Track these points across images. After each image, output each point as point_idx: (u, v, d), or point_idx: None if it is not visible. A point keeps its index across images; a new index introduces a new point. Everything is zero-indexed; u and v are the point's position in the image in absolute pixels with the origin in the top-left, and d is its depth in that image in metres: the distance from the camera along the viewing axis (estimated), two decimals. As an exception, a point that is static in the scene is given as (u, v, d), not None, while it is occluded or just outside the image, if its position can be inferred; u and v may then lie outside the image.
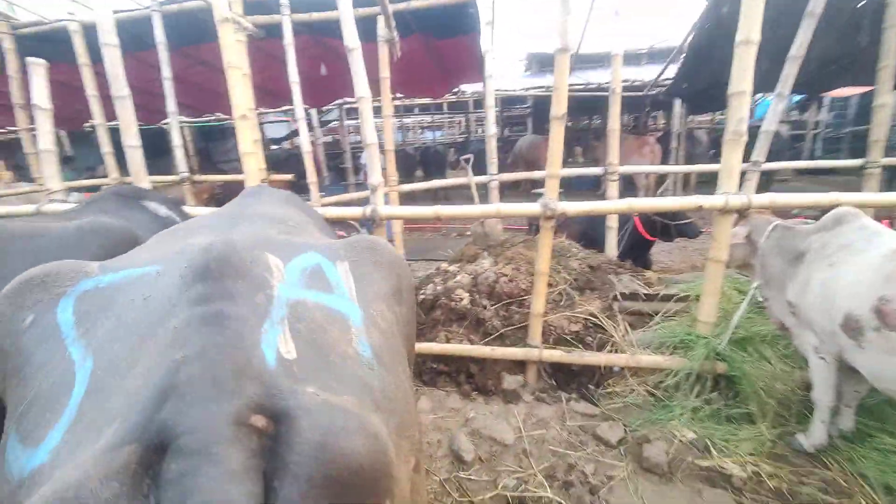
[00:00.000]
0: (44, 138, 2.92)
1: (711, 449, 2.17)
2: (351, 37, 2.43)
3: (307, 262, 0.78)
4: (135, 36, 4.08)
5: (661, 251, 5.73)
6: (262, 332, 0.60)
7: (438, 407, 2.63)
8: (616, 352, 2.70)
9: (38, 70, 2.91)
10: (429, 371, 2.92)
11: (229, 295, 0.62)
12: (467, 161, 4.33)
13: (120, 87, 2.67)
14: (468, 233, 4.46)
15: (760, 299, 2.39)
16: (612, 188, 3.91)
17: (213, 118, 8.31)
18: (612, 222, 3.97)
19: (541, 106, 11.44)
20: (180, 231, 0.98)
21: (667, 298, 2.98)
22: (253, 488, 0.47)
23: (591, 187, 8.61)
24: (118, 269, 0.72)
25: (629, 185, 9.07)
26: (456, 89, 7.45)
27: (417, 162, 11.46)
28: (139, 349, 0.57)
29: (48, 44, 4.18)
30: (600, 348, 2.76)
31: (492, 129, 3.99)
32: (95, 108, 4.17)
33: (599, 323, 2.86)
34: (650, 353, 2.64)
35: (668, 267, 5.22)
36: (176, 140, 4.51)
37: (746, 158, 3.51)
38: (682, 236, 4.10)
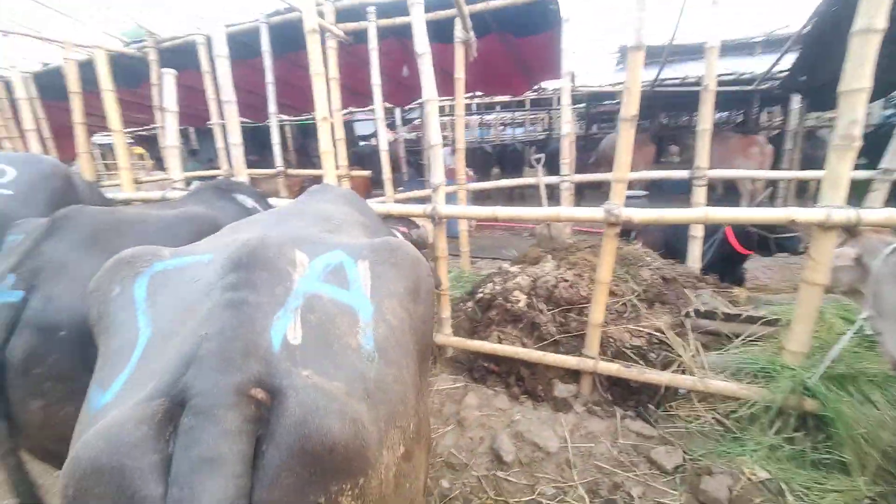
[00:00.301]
0: (170, 136, 3.48)
1: (787, 494, 1.92)
2: (421, 42, 2.52)
3: (332, 259, 0.88)
4: (246, 45, 4.64)
5: (759, 267, 5.07)
6: (274, 319, 0.70)
7: (485, 405, 2.66)
8: (683, 373, 2.49)
9: (169, 78, 3.47)
10: (479, 369, 2.96)
11: (253, 285, 0.73)
12: (538, 161, 4.24)
13: (227, 93, 3.08)
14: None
15: (871, 332, 2.03)
16: (699, 194, 3.55)
17: (310, 117, 9.15)
18: (697, 231, 3.61)
19: (631, 102, 10.71)
20: (241, 225, 1.14)
21: (751, 320, 2.66)
22: (243, 447, 0.56)
23: (686, 191, 7.85)
24: (184, 255, 0.88)
25: (732, 192, 8.10)
26: (537, 86, 7.27)
27: (495, 160, 11.41)
28: (182, 323, 0.71)
29: (180, 54, 4.93)
30: (665, 367, 2.56)
31: (567, 127, 3.86)
32: (213, 108, 4.84)
33: (666, 340, 2.65)
34: (723, 379, 2.39)
35: (763, 285, 4.60)
36: (275, 138, 5.07)
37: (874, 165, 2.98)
38: (783, 251, 3.60)
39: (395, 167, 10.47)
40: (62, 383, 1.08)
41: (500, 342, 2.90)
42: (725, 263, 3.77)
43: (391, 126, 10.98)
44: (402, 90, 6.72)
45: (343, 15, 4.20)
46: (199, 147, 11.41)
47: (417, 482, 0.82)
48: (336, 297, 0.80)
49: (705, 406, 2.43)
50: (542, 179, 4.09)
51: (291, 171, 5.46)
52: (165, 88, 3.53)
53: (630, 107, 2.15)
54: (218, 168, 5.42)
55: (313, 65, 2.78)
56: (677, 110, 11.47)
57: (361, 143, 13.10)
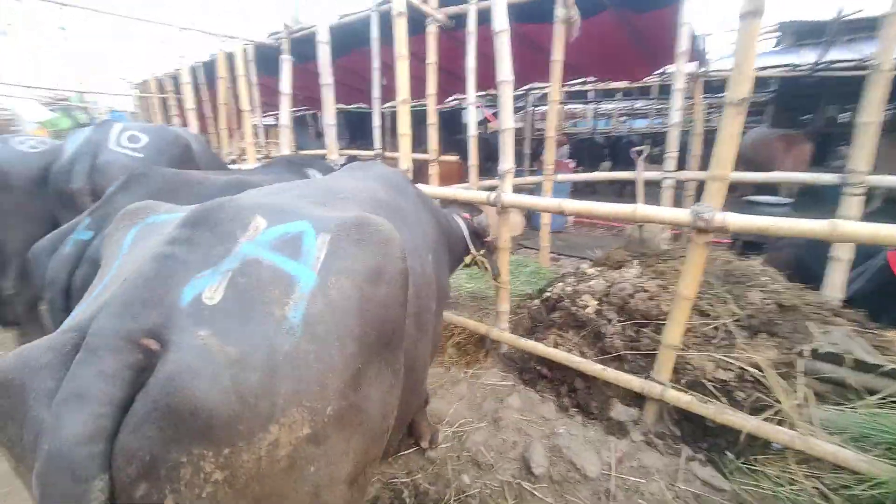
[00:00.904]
0: (283, 116, 3.91)
1: None
2: (500, 19, 2.38)
3: (292, 228, 0.86)
4: (360, 34, 4.94)
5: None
6: (195, 276, 0.71)
7: (528, 409, 2.49)
8: (779, 423, 2.00)
9: (286, 64, 3.88)
10: (530, 371, 2.78)
11: (189, 241, 0.75)
12: (639, 153, 3.73)
13: (326, 77, 3.32)
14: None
15: None
16: (850, 205, 2.77)
17: (419, 102, 9.49)
18: (843, 252, 2.84)
19: (788, 90, 8.84)
20: (251, 191, 1.20)
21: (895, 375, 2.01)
22: (113, 390, 0.58)
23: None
24: (173, 211, 0.96)
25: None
26: (661, 71, 6.40)
27: (606, 153, 10.47)
28: (129, 269, 0.76)
29: (308, 44, 5.45)
30: (756, 412, 2.09)
31: (675, 117, 3.32)
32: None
33: (763, 379, 2.15)
34: (838, 444, 1.86)
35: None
36: (375, 121, 5.36)
37: None
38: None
39: (496, 155, 10.34)
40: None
41: (556, 346, 2.67)
42: (883, 297, 2.90)
43: (496, 113, 10.83)
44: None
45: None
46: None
47: (332, 470, 0.77)
48: (278, 264, 0.79)
49: (805, 470, 1.92)
50: (642, 175, 3.60)
51: (389, 154, 5.72)
52: (284, 73, 3.97)
53: (738, 87, 1.74)
54: (345, 147, 5.97)
55: (398, 47, 2.83)
56: (851, 101, 9.09)
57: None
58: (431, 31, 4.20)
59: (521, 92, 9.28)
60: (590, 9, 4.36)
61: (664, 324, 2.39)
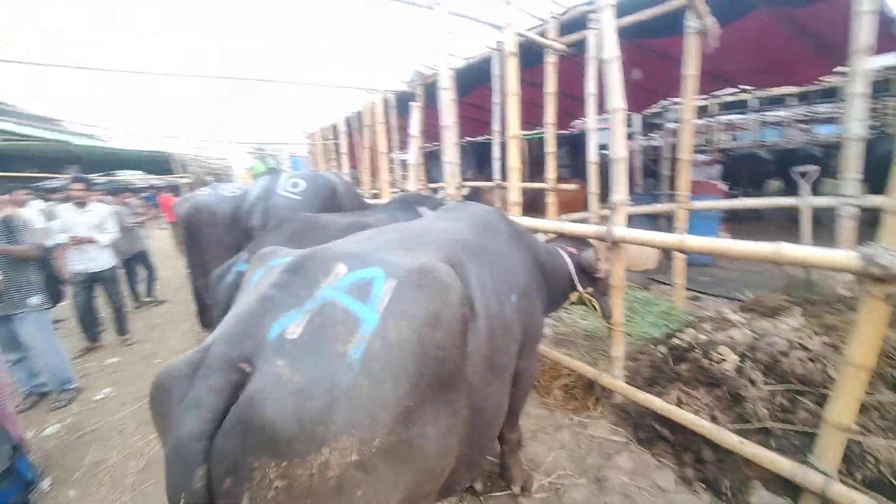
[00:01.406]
0: (412, 155, 4.34)
1: None
2: (609, 47, 2.27)
3: (366, 274, 0.98)
4: (483, 72, 5.22)
5: None
6: (283, 315, 0.87)
7: (640, 474, 2.19)
8: None
9: (415, 110, 4.33)
10: (647, 429, 2.45)
11: (285, 285, 0.93)
12: (803, 175, 3.01)
13: (447, 119, 3.56)
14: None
15: None
16: None
17: (540, 131, 9.43)
18: None
19: None
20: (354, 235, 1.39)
21: None
22: (216, 401, 0.76)
23: None
24: (286, 255, 1.18)
25: None
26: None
27: (773, 170, 8.68)
28: (245, 305, 0.97)
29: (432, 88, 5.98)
30: None
31: (856, 127, 2.65)
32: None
33: None
34: None
35: None
36: (495, 153, 5.53)
37: None
38: None
39: (629, 179, 9.51)
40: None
41: (679, 404, 2.31)
42: None
43: (629, 135, 10.05)
44: (638, 94, 6.08)
45: (567, 27, 4.19)
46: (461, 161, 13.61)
47: (380, 498, 0.82)
48: (349, 307, 0.91)
49: None
50: (808, 201, 2.92)
51: (503, 184, 5.82)
52: (413, 118, 4.44)
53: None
54: (469, 179, 6.37)
55: (508, 85, 2.92)
56: None
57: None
58: (550, 61, 4.22)
59: (658, 109, 8.49)
60: (734, 12, 3.84)
61: (830, 395, 1.88)
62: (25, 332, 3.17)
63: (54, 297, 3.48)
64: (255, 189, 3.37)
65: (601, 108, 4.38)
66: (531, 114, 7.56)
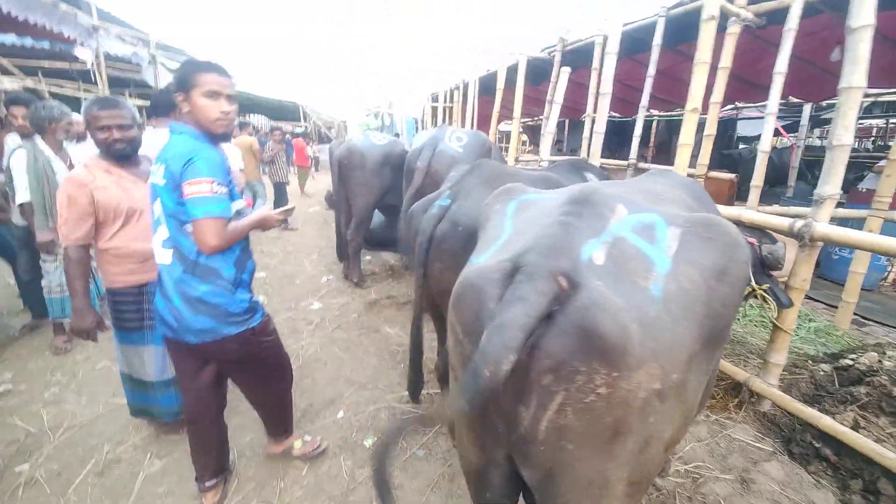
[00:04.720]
0: (550, 124, 4.25)
1: None
2: (866, 12, 1.93)
3: (646, 218, 0.99)
4: (636, 41, 4.83)
5: None
6: (587, 241, 0.91)
7: (793, 488, 2.04)
8: None
9: (564, 75, 4.19)
10: (804, 445, 2.25)
11: (579, 215, 0.96)
12: None
13: (607, 86, 3.43)
14: None
15: None
16: None
17: (678, 112, 8.52)
18: None
19: None
20: (578, 185, 1.41)
21: None
22: (540, 301, 0.80)
23: None
24: (540, 193, 1.23)
25: None
26: None
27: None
28: (531, 229, 1.03)
29: (576, 55, 5.69)
30: None
31: None
32: (590, 103, 5.42)
33: None
34: None
35: None
36: (637, 130, 5.16)
37: None
38: None
39: (780, 178, 8.25)
40: (452, 257, 1.77)
41: (856, 428, 2.08)
42: None
43: (792, 128, 8.67)
44: (818, 80, 5.21)
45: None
46: (566, 139, 12.96)
47: (662, 428, 0.86)
48: (639, 245, 0.93)
49: None
50: None
51: (642, 165, 5.44)
52: (559, 83, 4.30)
53: None
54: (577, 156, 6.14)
55: (700, 53, 2.66)
56: None
57: (741, 146, 11.07)
58: (733, 31, 3.74)
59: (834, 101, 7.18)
60: None
61: None
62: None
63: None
64: (422, 138, 3.66)
65: (766, 93, 3.82)
66: (671, 91, 6.88)
